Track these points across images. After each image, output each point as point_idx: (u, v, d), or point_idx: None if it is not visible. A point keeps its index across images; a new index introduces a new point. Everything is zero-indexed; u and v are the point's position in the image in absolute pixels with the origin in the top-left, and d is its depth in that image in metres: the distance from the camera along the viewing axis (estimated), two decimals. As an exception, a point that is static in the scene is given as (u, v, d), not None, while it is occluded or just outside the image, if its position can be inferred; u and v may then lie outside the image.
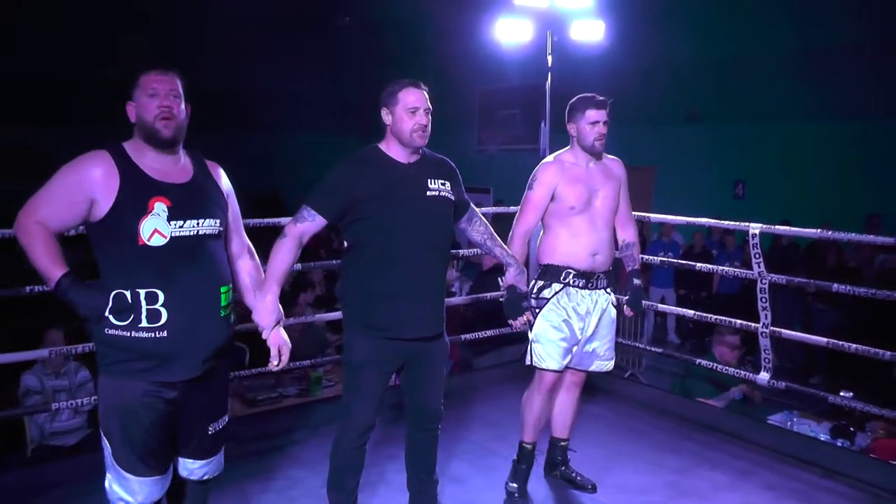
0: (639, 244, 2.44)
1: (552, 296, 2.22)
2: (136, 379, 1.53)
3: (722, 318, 3.08)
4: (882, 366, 3.39)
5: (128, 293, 1.52)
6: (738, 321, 2.96)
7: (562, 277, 2.22)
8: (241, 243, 1.77)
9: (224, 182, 1.72)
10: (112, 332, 1.53)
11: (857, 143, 6.92)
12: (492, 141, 10.67)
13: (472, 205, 2.08)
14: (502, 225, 2.30)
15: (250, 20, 9.88)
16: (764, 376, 2.82)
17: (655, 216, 3.58)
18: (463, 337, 3.31)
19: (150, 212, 1.53)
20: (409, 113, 1.86)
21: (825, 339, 2.67)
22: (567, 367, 2.32)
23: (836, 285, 2.65)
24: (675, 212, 3.41)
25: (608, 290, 2.30)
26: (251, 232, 1.87)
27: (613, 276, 2.36)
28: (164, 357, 1.54)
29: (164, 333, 1.53)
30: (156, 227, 1.52)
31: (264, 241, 1.93)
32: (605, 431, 2.90)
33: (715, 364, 3.21)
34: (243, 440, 2.64)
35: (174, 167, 1.61)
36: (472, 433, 2.83)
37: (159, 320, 1.52)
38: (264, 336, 1.76)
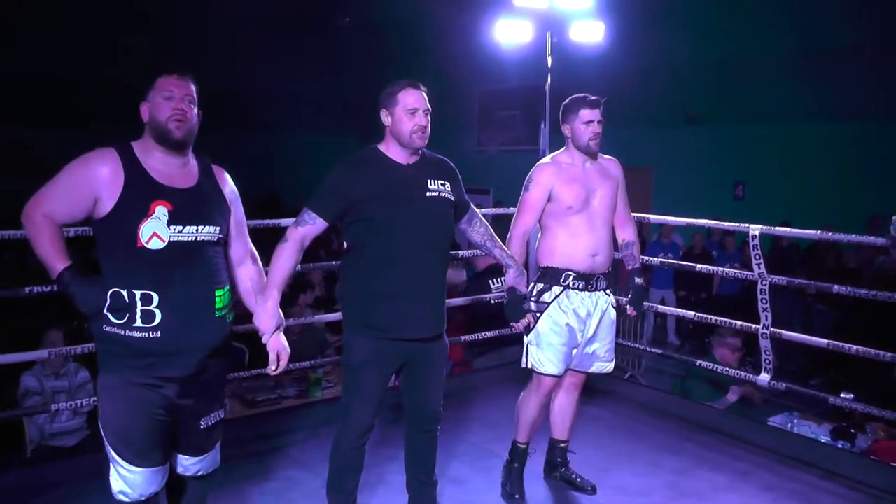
0: (638, 243, 2.44)
1: (552, 300, 2.21)
2: (132, 375, 1.56)
3: (722, 319, 3.07)
4: (882, 367, 3.39)
5: (124, 292, 1.54)
6: (739, 322, 2.96)
7: (561, 280, 2.21)
8: (244, 248, 1.78)
9: (228, 187, 1.74)
10: (109, 329, 1.56)
11: (857, 144, 6.92)
12: (491, 142, 10.68)
13: (472, 206, 2.08)
14: (502, 226, 2.29)
15: (250, 20, 9.88)
16: (764, 377, 2.82)
17: (655, 217, 3.58)
18: (463, 338, 3.31)
19: (151, 215, 1.54)
20: (409, 114, 1.86)
21: (826, 341, 2.66)
22: (566, 369, 2.32)
23: (836, 287, 2.64)
24: (674, 213, 3.41)
25: (608, 291, 2.30)
26: (251, 232, 1.87)
27: (613, 276, 2.35)
28: (157, 356, 1.56)
29: (158, 334, 1.55)
30: (155, 231, 1.54)
31: (264, 241, 1.93)
32: (605, 433, 2.90)
33: (715, 365, 3.21)
34: (243, 441, 2.64)
35: (180, 170, 1.63)
36: (471, 434, 2.83)
37: (153, 321, 1.55)
38: (264, 341, 1.78)
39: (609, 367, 2.35)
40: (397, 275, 1.86)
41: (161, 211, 1.55)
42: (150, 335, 1.54)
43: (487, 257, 2.42)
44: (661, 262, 5.27)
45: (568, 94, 2.31)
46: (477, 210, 2.10)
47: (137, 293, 1.54)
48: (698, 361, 3.31)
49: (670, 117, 8.39)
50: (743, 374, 3.03)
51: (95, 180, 1.54)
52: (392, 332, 1.88)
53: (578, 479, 2.41)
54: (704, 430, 2.92)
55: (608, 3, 4.74)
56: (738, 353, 3.47)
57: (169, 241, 1.55)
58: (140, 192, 1.55)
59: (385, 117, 1.90)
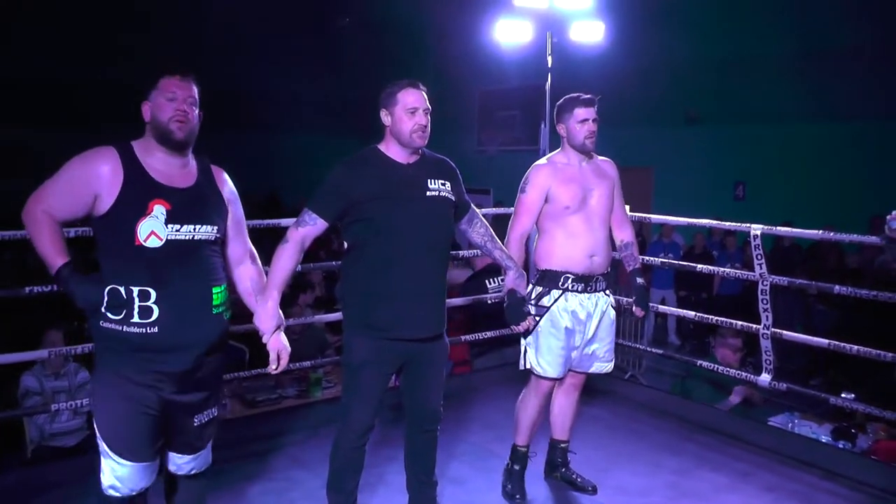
0: (636, 243, 2.43)
1: (552, 304, 2.20)
2: (128, 370, 1.58)
3: (723, 319, 3.07)
4: (882, 367, 3.39)
5: (122, 289, 1.56)
6: (740, 322, 2.96)
7: (560, 283, 2.20)
8: (243, 248, 1.79)
9: (227, 188, 1.75)
10: (106, 325, 1.57)
11: (857, 144, 6.92)
12: (491, 142, 10.67)
13: (472, 206, 2.08)
14: (503, 225, 2.29)
15: (250, 20, 9.89)
16: (765, 378, 2.81)
17: (656, 217, 3.58)
18: (463, 338, 3.30)
19: (149, 213, 1.56)
20: (409, 113, 1.86)
21: (827, 341, 2.66)
22: (566, 371, 2.31)
23: (837, 287, 2.64)
24: (675, 213, 3.40)
25: (607, 292, 2.29)
26: (251, 232, 1.87)
27: (613, 277, 2.34)
28: (154, 351, 1.58)
29: (155, 329, 1.57)
30: (153, 229, 1.56)
31: (264, 241, 1.93)
32: (605, 433, 2.90)
33: (716, 366, 3.20)
34: (243, 441, 2.64)
35: (179, 171, 1.64)
36: (471, 434, 2.83)
37: (150, 316, 1.56)
38: (264, 340, 1.78)
39: (608, 367, 2.35)
40: (397, 275, 1.86)
41: (159, 210, 1.57)
42: (148, 330, 1.56)
43: (486, 257, 2.42)
44: (661, 262, 5.27)
45: (568, 94, 2.31)
46: (477, 211, 2.10)
47: (135, 289, 1.55)
48: (699, 362, 3.31)
49: (670, 117, 8.38)
50: (743, 374, 3.02)
51: (95, 178, 1.55)
52: (392, 332, 1.88)
53: (579, 480, 2.40)
54: (705, 431, 2.91)
55: (608, 2, 4.74)
56: (740, 353, 3.47)
57: (167, 240, 1.57)
58: (139, 190, 1.57)
59: (385, 117, 1.90)
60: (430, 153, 1.98)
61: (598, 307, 2.25)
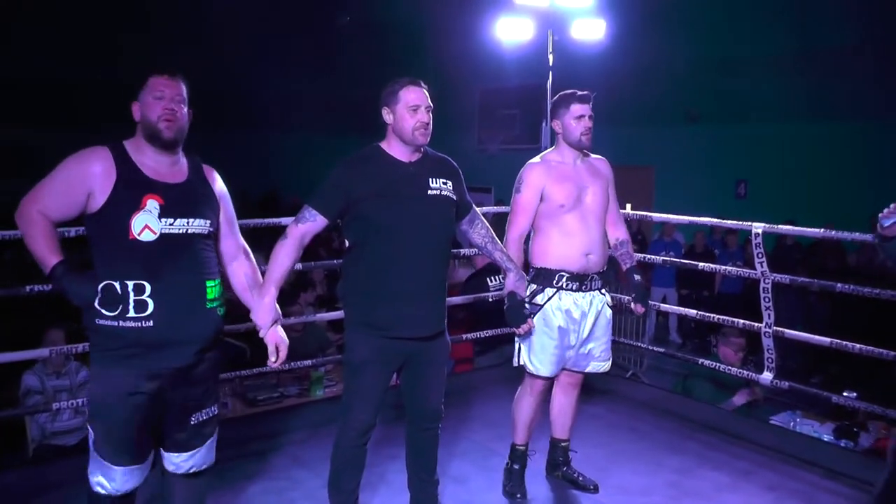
0: (631, 241, 2.42)
1: (545, 302, 2.19)
2: (124, 367, 1.58)
3: (724, 317, 3.07)
4: (882, 365, 3.38)
5: (117, 284, 1.57)
6: (741, 321, 2.95)
7: (555, 281, 2.19)
8: (236, 244, 1.81)
9: (218, 185, 1.77)
10: (102, 322, 1.58)
11: (858, 143, 6.92)
12: (492, 140, 10.68)
13: (473, 206, 2.07)
14: (503, 224, 2.28)
15: (250, 20, 9.89)
16: (767, 376, 2.81)
17: (658, 215, 3.57)
18: (464, 336, 3.30)
19: (143, 208, 1.58)
20: (411, 111, 1.85)
21: (829, 340, 2.66)
22: (563, 369, 2.31)
23: (839, 285, 2.64)
24: (676, 211, 3.40)
25: (603, 290, 2.28)
26: (251, 231, 1.88)
27: (611, 275, 2.33)
28: (150, 346, 1.58)
29: (150, 323, 1.57)
30: (147, 223, 1.58)
31: (265, 240, 1.93)
32: (606, 431, 2.89)
33: (717, 364, 3.20)
34: (243, 440, 2.64)
35: (170, 168, 1.66)
36: (473, 433, 2.82)
37: (146, 310, 1.57)
38: (262, 335, 1.79)
39: (605, 366, 2.34)
40: (397, 274, 1.85)
41: (152, 204, 1.58)
42: (143, 325, 1.57)
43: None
44: (663, 260, 5.26)
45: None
46: (479, 212, 2.09)
47: (130, 284, 1.56)
48: (700, 360, 3.30)
49: (671, 116, 8.38)
50: (745, 372, 3.02)
51: (88, 176, 1.58)
52: (392, 331, 1.88)
53: (581, 478, 2.40)
54: (706, 429, 2.91)
55: (609, 1, 4.73)
56: (742, 352, 3.46)
57: (160, 234, 1.59)
58: (132, 186, 1.59)
59: (387, 115, 1.89)
60: (432, 152, 1.97)
61: (594, 306, 2.24)
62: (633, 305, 2.36)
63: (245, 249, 1.83)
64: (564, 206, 2.18)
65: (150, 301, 1.57)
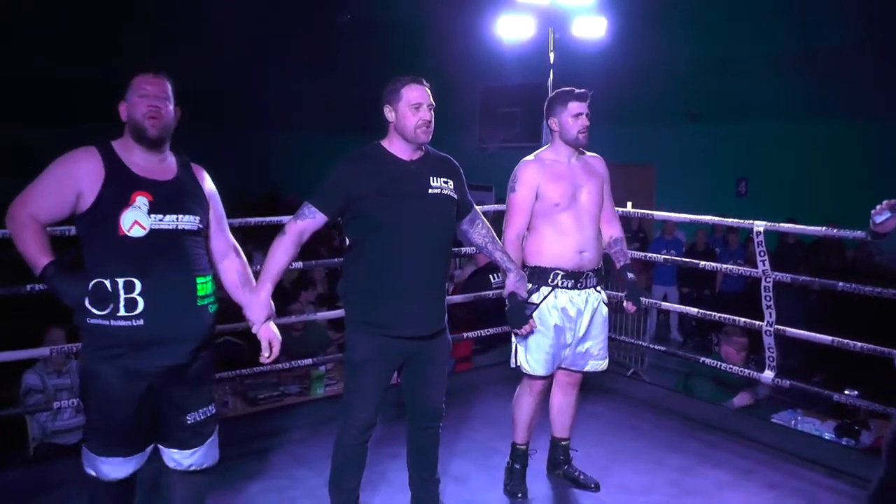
0: (632, 239, 2.41)
1: (541, 301, 2.18)
2: (115, 366, 1.59)
3: (725, 316, 3.06)
4: (885, 363, 3.37)
5: (107, 282, 1.57)
6: (742, 319, 2.94)
7: (550, 280, 2.18)
8: (226, 242, 1.81)
9: (207, 184, 1.78)
10: (93, 321, 1.59)
11: (859, 142, 6.91)
12: (493, 139, 10.66)
13: (474, 206, 2.06)
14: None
15: (250, 20, 9.88)
16: (768, 374, 2.81)
17: (659, 213, 3.57)
18: (465, 335, 3.30)
19: (132, 204, 1.59)
20: (413, 109, 1.85)
21: (830, 338, 2.65)
22: (561, 369, 2.31)
23: (841, 284, 2.63)
24: (677, 209, 3.40)
25: (598, 288, 2.27)
26: (252, 230, 1.88)
27: (604, 272, 2.32)
28: (140, 344, 1.59)
29: (141, 322, 1.58)
30: (136, 219, 1.59)
31: (264, 239, 1.92)
32: (607, 430, 2.89)
33: (718, 363, 3.20)
34: (244, 439, 2.64)
35: (159, 165, 1.67)
36: (474, 432, 2.82)
37: (136, 308, 1.57)
38: (254, 330, 1.79)
39: (603, 364, 2.33)
40: (397, 272, 1.85)
41: (141, 201, 1.59)
42: (134, 323, 1.57)
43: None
44: (664, 258, 5.25)
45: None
46: (479, 212, 2.09)
47: (120, 281, 1.57)
48: (702, 359, 3.30)
49: (672, 114, 8.37)
50: (747, 371, 3.02)
51: (77, 176, 1.59)
52: (392, 330, 1.87)
53: (582, 477, 2.40)
54: (707, 428, 2.90)
55: (610, -1, 4.72)
56: (745, 351, 3.45)
57: (150, 229, 1.59)
58: (120, 184, 1.60)
59: (389, 113, 1.89)
60: (433, 151, 1.97)
61: (589, 304, 2.23)
62: (625, 304, 2.36)
63: (235, 247, 1.83)
64: (559, 205, 2.17)
65: (139, 299, 1.57)
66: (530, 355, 2.21)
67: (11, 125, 8.74)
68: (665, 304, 5.40)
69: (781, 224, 2.96)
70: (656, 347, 3.83)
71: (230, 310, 1.87)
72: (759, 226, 2.72)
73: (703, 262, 3.39)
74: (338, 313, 2.77)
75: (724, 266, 3.46)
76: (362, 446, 1.96)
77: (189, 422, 1.70)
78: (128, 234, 1.57)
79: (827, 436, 3.13)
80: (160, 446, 1.72)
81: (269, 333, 1.78)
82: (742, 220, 2.95)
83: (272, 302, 1.80)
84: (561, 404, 2.39)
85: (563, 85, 2.31)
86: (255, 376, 3.39)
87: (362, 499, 2.06)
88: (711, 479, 2.48)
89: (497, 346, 3.75)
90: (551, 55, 4.15)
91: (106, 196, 1.58)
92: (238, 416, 3.44)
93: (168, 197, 1.63)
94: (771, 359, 2.80)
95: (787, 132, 7.41)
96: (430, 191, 1.89)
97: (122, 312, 1.56)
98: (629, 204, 3.66)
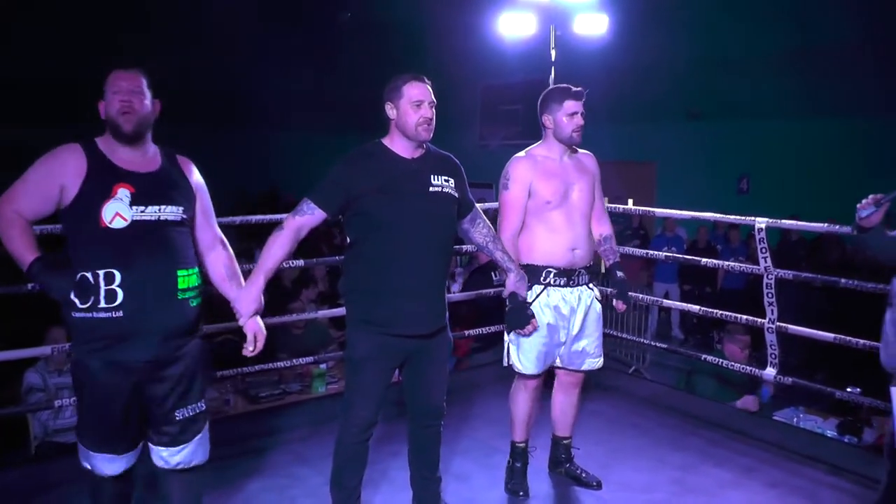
0: (615, 237, 2.40)
1: (533, 299, 2.17)
2: (99, 360, 1.61)
3: (726, 313, 3.05)
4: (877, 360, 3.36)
5: (89, 274, 1.59)
6: (744, 316, 2.94)
7: (542, 278, 2.17)
8: (213, 235, 1.81)
9: (195, 177, 1.78)
10: (78, 315, 1.60)
11: (860, 140, 6.90)
12: (494, 136, 10.64)
13: (476, 205, 2.06)
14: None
15: (250, 19, 9.86)
16: (770, 372, 2.80)
17: (661, 210, 3.56)
18: (466, 332, 3.30)
19: (113, 196, 1.60)
20: (414, 106, 1.84)
21: (832, 335, 2.64)
22: (561, 368, 2.30)
23: (843, 280, 2.62)
24: (678, 207, 3.38)
25: (590, 285, 2.27)
26: (251, 228, 1.87)
27: (598, 270, 2.31)
28: (120, 337, 1.60)
29: (120, 313, 1.59)
30: (118, 211, 1.60)
31: (265, 237, 1.92)
32: (609, 428, 2.89)
33: (720, 360, 3.19)
34: (244, 437, 2.64)
35: (141, 159, 1.69)
36: (475, 430, 2.82)
37: (115, 300, 1.59)
38: (241, 323, 1.79)
39: (599, 362, 2.32)
40: (398, 270, 1.85)
41: (123, 193, 1.61)
42: (114, 315, 1.58)
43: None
44: (665, 255, 5.25)
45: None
46: (480, 211, 2.08)
47: (101, 273, 1.58)
48: (703, 356, 3.29)
49: (673, 111, 8.35)
50: (749, 368, 3.01)
51: (60, 171, 1.61)
52: (392, 328, 1.87)
53: (584, 475, 2.40)
54: (709, 426, 2.90)
55: (612, -4, 4.71)
56: (748, 349, 3.45)
57: (132, 221, 1.60)
58: (102, 176, 1.61)
59: (390, 110, 1.88)
60: (434, 149, 1.96)
61: (583, 301, 2.22)
62: (615, 302, 2.35)
63: (222, 240, 1.84)
64: (551, 203, 2.16)
65: (119, 291, 1.58)
66: (522, 354, 2.21)
67: (11, 125, 8.74)
68: (666, 302, 5.37)
69: (783, 220, 2.95)
70: (658, 345, 3.83)
71: (230, 308, 1.86)
72: (761, 222, 2.71)
73: (704, 260, 3.39)
74: (339, 311, 2.77)
75: (726, 263, 3.46)
76: (363, 444, 1.96)
77: (178, 417, 1.70)
78: (109, 225, 1.59)
79: (829, 433, 3.12)
80: (149, 444, 1.73)
81: (255, 327, 1.79)
82: (743, 217, 2.94)
83: (262, 297, 1.80)
84: (562, 404, 2.38)
85: (565, 82, 2.30)
86: (257, 374, 3.39)
87: (363, 497, 2.06)
88: (713, 477, 2.48)
89: (498, 344, 3.75)
90: (552, 52, 4.13)
91: (88, 189, 1.60)
92: (239, 414, 3.44)
93: (150, 188, 1.64)
94: (773, 356, 2.79)
95: (788, 130, 7.40)
96: (431, 189, 1.89)
97: (102, 304, 1.58)
98: (630, 201, 3.65)
